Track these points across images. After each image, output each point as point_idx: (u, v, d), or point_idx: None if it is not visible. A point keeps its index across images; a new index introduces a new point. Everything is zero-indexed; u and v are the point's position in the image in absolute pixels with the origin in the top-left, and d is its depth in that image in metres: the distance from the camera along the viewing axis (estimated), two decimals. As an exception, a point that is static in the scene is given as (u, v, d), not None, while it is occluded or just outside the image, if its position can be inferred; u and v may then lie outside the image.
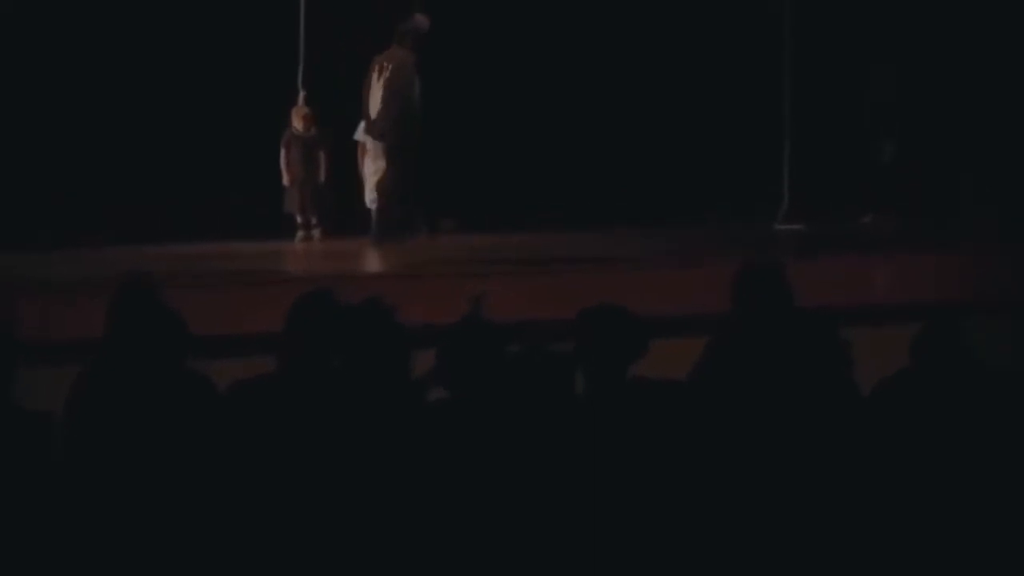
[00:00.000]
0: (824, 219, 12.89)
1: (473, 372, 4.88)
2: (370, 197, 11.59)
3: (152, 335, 4.89)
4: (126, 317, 5.01)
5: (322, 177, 11.82)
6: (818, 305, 6.08)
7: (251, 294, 7.20)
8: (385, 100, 11.28)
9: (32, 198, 11.48)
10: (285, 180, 11.83)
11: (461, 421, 4.85)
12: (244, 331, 6.39)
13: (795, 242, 11.80)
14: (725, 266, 5.65)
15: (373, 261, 10.97)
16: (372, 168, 11.58)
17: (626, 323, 5.00)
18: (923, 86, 13.71)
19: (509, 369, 4.90)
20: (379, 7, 11.99)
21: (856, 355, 5.52)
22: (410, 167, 11.41)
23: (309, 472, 4.53)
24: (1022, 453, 5.22)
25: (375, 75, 11.35)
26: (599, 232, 11.86)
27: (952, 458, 5.15)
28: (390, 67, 11.32)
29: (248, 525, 4.61)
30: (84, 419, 4.83)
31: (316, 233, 11.84)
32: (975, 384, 5.33)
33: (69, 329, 6.50)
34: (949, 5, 13.33)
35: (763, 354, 5.32)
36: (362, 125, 11.60)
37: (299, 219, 11.85)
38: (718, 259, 7.76)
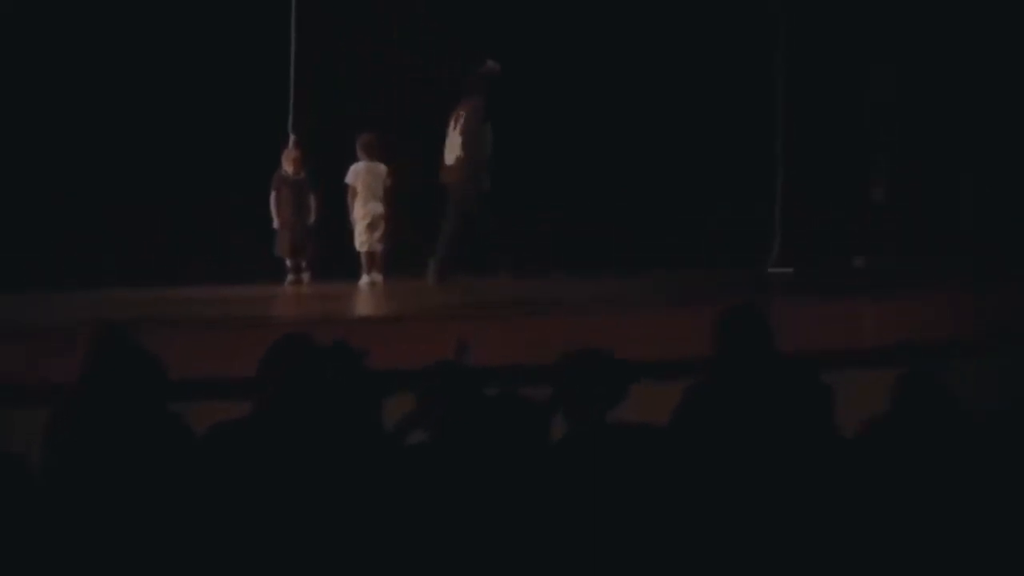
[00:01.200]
0: (816, 262, 12.90)
1: (451, 415, 4.87)
2: (360, 240, 11.63)
3: (129, 378, 4.88)
4: (103, 360, 4.99)
5: (312, 220, 11.82)
6: (800, 349, 6.04)
7: (231, 338, 7.17)
8: (459, 148, 11.58)
9: (30, 239, 11.49)
10: (275, 223, 11.83)
11: (439, 464, 4.83)
12: (224, 375, 6.36)
13: (781, 285, 11.78)
14: (708, 310, 5.60)
15: (360, 304, 10.94)
16: (362, 212, 11.62)
17: (606, 367, 4.98)
18: (916, 124, 13.75)
19: (487, 413, 4.88)
20: (368, 54, 12.11)
21: (838, 399, 5.52)
22: (483, 212, 11.59)
23: (284, 517, 4.50)
24: (1003, 498, 5.19)
25: (452, 124, 11.68)
26: (592, 276, 11.85)
27: (934, 504, 5.12)
28: (464, 115, 11.61)
29: (224, 569, 4.58)
30: (61, 461, 4.81)
31: (306, 276, 11.84)
32: (956, 429, 5.30)
33: (51, 372, 6.46)
34: (942, 50, 13.37)
35: (743, 399, 5.30)
36: (353, 168, 11.66)
37: (289, 262, 11.84)
38: (702, 303, 7.71)
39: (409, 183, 11.86)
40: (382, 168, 11.67)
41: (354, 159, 11.71)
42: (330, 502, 4.44)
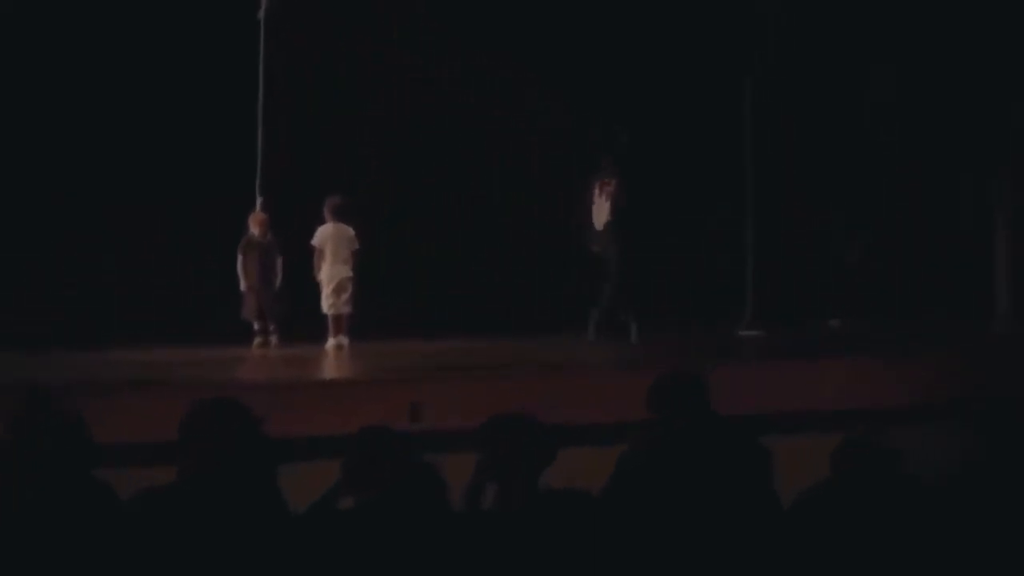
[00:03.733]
0: (790, 324, 12.86)
1: (378, 480, 4.80)
2: (327, 303, 11.58)
3: (52, 444, 4.82)
4: (27, 426, 4.92)
5: (279, 283, 11.76)
6: (742, 413, 5.99)
7: (166, 402, 7.08)
8: (607, 214, 12.12)
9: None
10: (243, 286, 11.78)
11: (368, 529, 4.76)
12: (158, 438, 6.29)
13: (737, 348, 11.69)
14: (651, 374, 5.54)
15: (322, 368, 10.87)
16: (329, 274, 11.58)
17: (532, 431, 4.92)
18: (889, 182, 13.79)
19: (415, 477, 4.82)
20: (335, 116, 12.18)
21: (784, 464, 5.46)
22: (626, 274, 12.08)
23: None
24: (947, 568, 5.12)
25: (597, 191, 12.20)
26: (555, 336, 11.79)
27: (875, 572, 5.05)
28: (613, 183, 12.14)
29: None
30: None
31: (273, 339, 11.77)
32: (898, 495, 5.23)
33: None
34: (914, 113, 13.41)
35: (680, 463, 5.24)
36: (320, 230, 11.63)
37: (256, 325, 11.78)
38: (655, 366, 7.64)
39: (375, 245, 11.82)
40: (350, 230, 11.64)
41: (322, 221, 11.68)
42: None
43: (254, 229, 11.74)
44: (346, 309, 11.60)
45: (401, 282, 12.44)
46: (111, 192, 12.07)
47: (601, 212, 12.16)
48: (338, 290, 11.56)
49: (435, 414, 7.52)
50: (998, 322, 12.73)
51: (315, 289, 11.59)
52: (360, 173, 12.28)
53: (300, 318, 11.76)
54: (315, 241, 11.63)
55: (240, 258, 11.76)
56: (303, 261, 11.68)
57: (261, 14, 11.43)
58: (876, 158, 13.71)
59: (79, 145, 11.96)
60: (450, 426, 6.84)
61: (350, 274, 11.60)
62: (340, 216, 11.64)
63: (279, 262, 11.77)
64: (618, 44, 13.32)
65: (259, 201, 11.77)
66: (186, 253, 12.12)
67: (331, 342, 11.54)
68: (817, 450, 5.50)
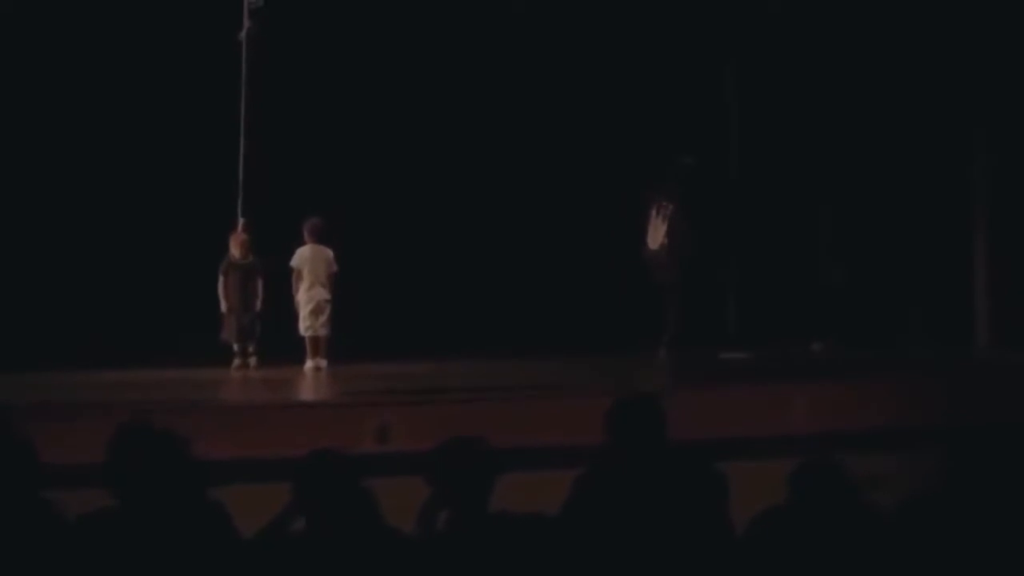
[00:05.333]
0: (772, 347, 12.83)
1: (328, 504, 4.78)
2: (304, 325, 11.56)
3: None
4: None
5: (259, 305, 11.73)
6: (699, 437, 5.96)
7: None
8: (663, 235, 12.43)
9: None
10: (223, 308, 11.75)
11: (317, 553, 4.74)
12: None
13: (709, 371, 11.63)
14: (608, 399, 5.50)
15: (294, 390, 10.84)
16: (306, 296, 11.56)
17: (482, 455, 4.91)
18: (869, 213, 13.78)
19: (364, 502, 4.80)
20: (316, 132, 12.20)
21: (735, 489, 5.43)
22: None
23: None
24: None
25: (654, 212, 12.50)
26: (531, 360, 11.78)
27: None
28: (670, 206, 12.44)
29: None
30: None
31: (252, 361, 11.74)
32: (853, 521, 5.20)
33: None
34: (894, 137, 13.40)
35: (635, 488, 5.21)
36: (299, 252, 11.61)
37: (235, 347, 11.75)
38: (618, 389, 7.60)
39: (355, 266, 11.82)
40: (328, 252, 11.63)
41: (301, 242, 11.67)
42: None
43: (234, 250, 11.71)
44: (323, 331, 11.58)
45: (380, 304, 12.43)
46: (90, 211, 12.09)
47: (657, 233, 12.44)
48: (316, 312, 11.55)
49: (402, 437, 7.50)
50: (977, 348, 12.72)
51: (295, 311, 11.58)
52: (341, 195, 12.24)
53: (281, 340, 11.73)
54: (293, 263, 11.62)
55: (220, 279, 11.73)
56: (284, 282, 11.67)
57: (242, 35, 11.42)
58: (858, 178, 13.70)
59: (57, 163, 11.99)
60: (418, 449, 6.78)
61: (328, 296, 11.58)
62: (319, 238, 11.64)
63: (259, 283, 11.74)
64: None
65: (240, 222, 11.73)
66: (166, 274, 12.11)
67: (309, 364, 11.52)
68: (777, 475, 5.48)
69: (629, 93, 13.48)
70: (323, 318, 11.55)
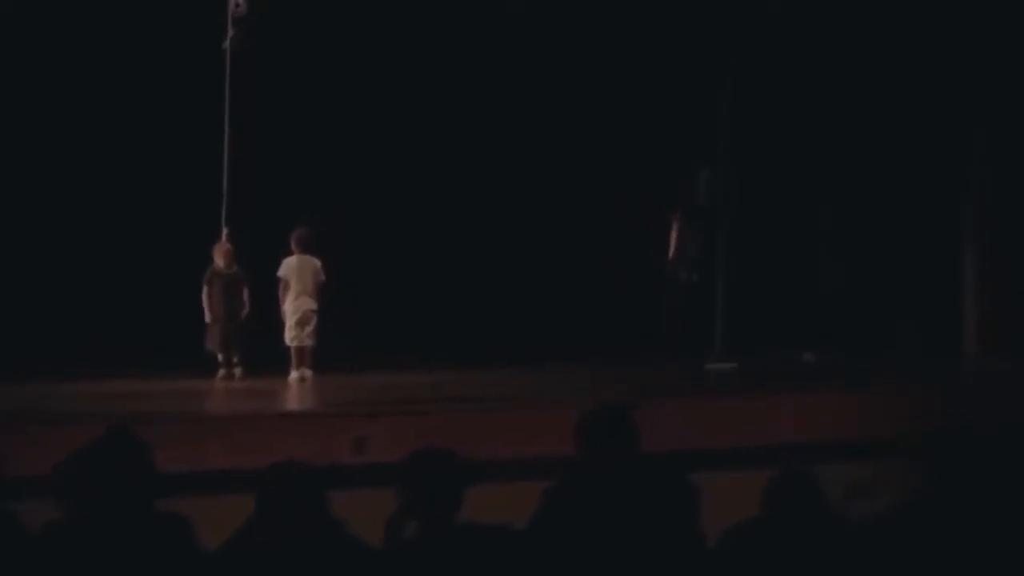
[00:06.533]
0: (764, 356, 12.78)
1: (290, 515, 4.73)
2: (290, 335, 11.51)
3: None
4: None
5: (244, 315, 11.68)
6: (671, 448, 5.91)
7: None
8: (673, 247, 12.98)
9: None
10: (207, 317, 11.70)
11: (282, 565, 4.69)
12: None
13: (688, 382, 11.58)
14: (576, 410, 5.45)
15: (276, 400, 10.77)
16: (292, 307, 11.51)
17: (450, 466, 4.86)
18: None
19: (328, 513, 4.75)
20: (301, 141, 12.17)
21: (712, 501, 5.37)
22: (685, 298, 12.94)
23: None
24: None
25: (675, 221, 12.99)
26: (523, 370, 11.74)
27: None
28: (676, 221, 12.97)
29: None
30: None
31: (237, 371, 11.68)
32: (825, 533, 5.15)
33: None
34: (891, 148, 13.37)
35: (603, 500, 5.16)
36: (285, 262, 11.57)
37: (220, 357, 11.70)
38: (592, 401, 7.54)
39: (342, 276, 11.77)
40: (316, 263, 11.58)
41: (288, 253, 11.63)
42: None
43: (219, 260, 11.67)
44: (309, 342, 11.53)
45: (368, 314, 12.39)
46: (74, 221, 12.05)
47: (672, 244, 12.95)
48: (301, 322, 11.50)
49: (380, 448, 7.45)
50: (965, 356, 12.68)
51: (281, 321, 11.53)
52: (327, 204, 12.19)
53: (267, 350, 11.68)
54: (280, 272, 11.57)
55: (205, 289, 11.68)
56: (270, 292, 11.62)
57: (226, 44, 11.37)
58: (850, 186, 13.68)
59: (40, 174, 11.95)
60: (393, 460, 6.72)
61: (314, 307, 11.53)
62: (306, 248, 11.59)
63: (244, 293, 11.69)
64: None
65: (224, 232, 11.68)
66: (150, 284, 12.06)
67: (294, 375, 11.47)
68: (751, 487, 5.43)
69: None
70: (309, 328, 11.51)
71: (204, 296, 11.68)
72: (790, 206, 13.87)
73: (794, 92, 13.43)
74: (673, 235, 13.00)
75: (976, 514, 5.13)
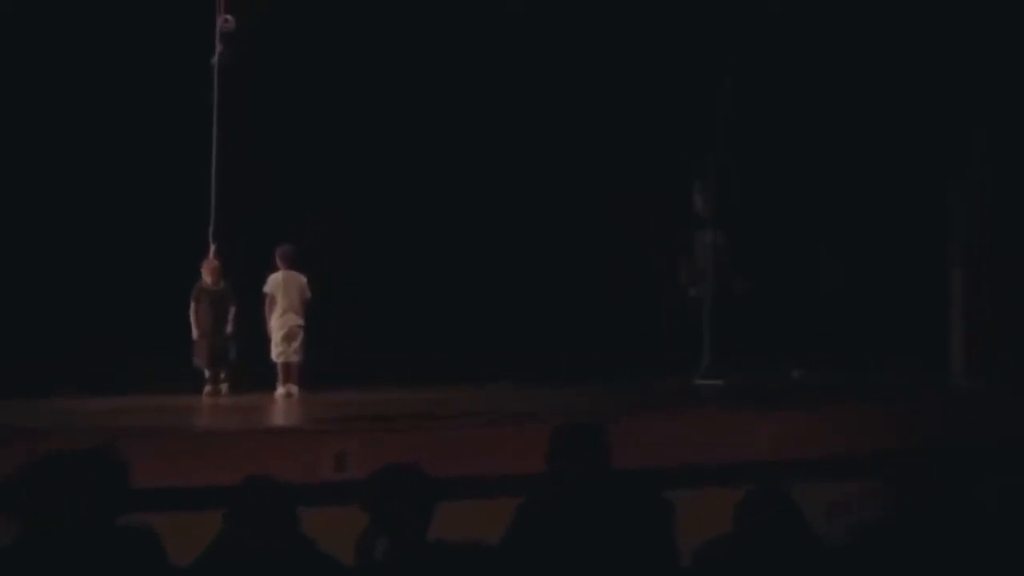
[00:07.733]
0: (751, 373, 12.75)
1: (259, 531, 4.72)
2: (276, 351, 11.51)
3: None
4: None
5: (230, 331, 11.68)
6: (645, 465, 5.90)
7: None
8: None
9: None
10: (194, 334, 11.70)
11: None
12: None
13: (662, 398, 11.55)
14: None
15: (260, 416, 10.76)
16: (279, 322, 11.52)
17: (411, 482, 4.86)
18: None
19: (297, 530, 4.75)
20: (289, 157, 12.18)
21: (689, 517, 5.37)
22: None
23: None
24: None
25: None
26: (512, 385, 11.75)
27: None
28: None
29: None
30: None
31: (224, 387, 11.68)
32: (801, 550, 5.14)
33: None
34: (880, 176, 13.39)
35: (576, 516, 5.15)
36: (271, 278, 11.58)
37: (207, 373, 11.69)
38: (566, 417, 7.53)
39: (330, 291, 11.78)
40: (302, 279, 11.60)
41: (274, 269, 11.64)
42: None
43: (206, 276, 11.68)
44: (295, 358, 11.54)
45: (356, 328, 12.36)
46: (60, 237, 12.03)
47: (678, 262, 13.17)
48: (288, 338, 11.51)
49: (361, 464, 7.43)
50: (952, 376, 12.67)
51: (267, 337, 11.53)
52: (314, 220, 12.20)
53: (254, 365, 11.67)
54: (267, 288, 11.59)
55: (192, 305, 11.69)
56: (256, 308, 11.62)
57: (214, 60, 11.38)
58: (836, 205, 13.70)
59: (25, 188, 11.91)
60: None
61: (301, 322, 11.55)
62: (292, 264, 11.61)
63: (231, 310, 11.69)
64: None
65: (212, 248, 11.68)
66: (137, 300, 12.03)
67: (280, 390, 11.48)
68: (725, 503, 5.42)
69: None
70: (295, 344, 11.52)
71: (191, 312, 11.69)
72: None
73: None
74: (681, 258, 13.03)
75: (948, 532, 5.13)
